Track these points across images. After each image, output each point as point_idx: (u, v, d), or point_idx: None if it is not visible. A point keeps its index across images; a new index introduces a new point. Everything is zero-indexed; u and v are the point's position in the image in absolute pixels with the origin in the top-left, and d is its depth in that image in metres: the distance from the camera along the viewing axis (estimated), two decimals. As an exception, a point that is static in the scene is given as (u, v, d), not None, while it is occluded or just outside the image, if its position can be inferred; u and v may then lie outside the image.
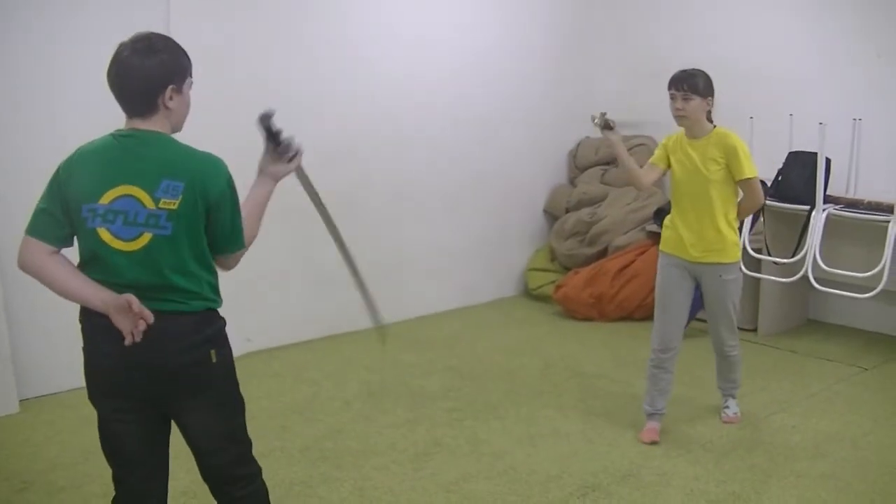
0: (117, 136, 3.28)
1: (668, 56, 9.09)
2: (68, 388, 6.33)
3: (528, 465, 5.37)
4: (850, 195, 7.71)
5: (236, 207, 3.35)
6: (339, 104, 7.62)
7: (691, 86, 5.37)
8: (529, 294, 9.37)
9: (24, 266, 3.29)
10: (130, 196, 3.16)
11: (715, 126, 5.51)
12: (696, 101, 5.38)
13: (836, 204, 7.50)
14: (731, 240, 5.54)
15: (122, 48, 3.24)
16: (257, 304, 7.24)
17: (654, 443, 5.64)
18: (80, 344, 5.98)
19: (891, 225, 6.97)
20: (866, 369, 7.12)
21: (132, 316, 3.09)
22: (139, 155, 3.21)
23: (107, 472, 5.13)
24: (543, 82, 9.36)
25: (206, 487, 3.68)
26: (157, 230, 3.16)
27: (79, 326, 3.38)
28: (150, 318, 3.11)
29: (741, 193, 5.59)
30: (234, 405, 3.53)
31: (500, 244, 9.30)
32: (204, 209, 3.21)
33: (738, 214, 5.63)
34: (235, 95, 6.57)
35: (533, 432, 5.85)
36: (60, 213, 3.25)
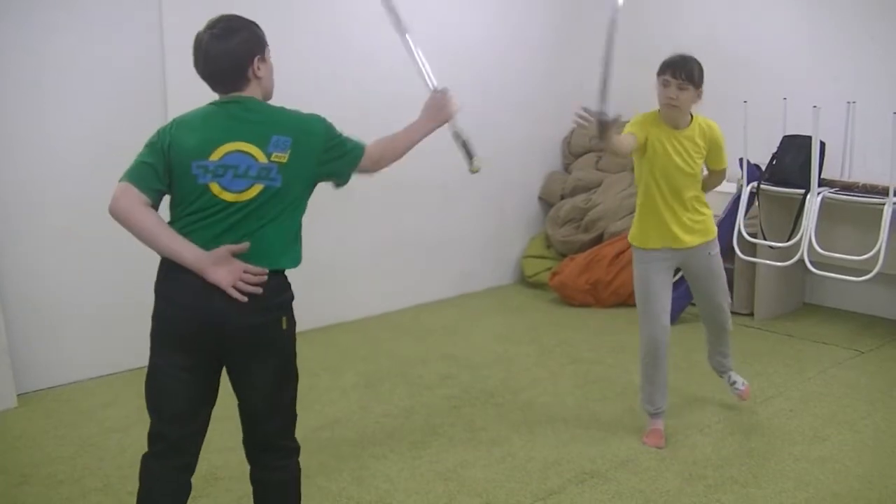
0: (219, 104, 3.54)
1: (661, 42, 9.06)
2: (66, 381, 6.36)
3: (526, 451, 5.38)
4: (845, 178, 7.71)
5: (340, 134, 3.69)
6: (331, 94, 7.60)
7: (688, 74, 5.12)
8: (526, 281, 9.38)
9: (115, 210, 3.39)
10: (242, 152, 3.39)
11: (692, 115, 5.33)
12: (691, 92, 5.15)
13: (831, 187, 7.49)
14: (708, 215, 5.46)
15: (201, 35, 3.50)
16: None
17: (660, 448, 5.43)
18: (79, 338, 6.01)
19: (886, 207, 6.96)
20: (863, 352, 7.13)
21: (233, 268, 3.34)
22: (245, 116, 3.47)
23: (105, 464, 5.18)
24: (538, 69, 9.36)
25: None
26: (268, 182, 3.40)
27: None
28: (260, 271, 3.39)
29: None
30: (292, 376, 3.67)
31: (495, 232, 9.30)
32: (314, 159, 3.54)
33: (704, 190, 5.50)
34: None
35: (530, 419, 5.86)
36: (162, 170, 3.43)
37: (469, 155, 4.28)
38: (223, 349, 3.47)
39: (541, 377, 6.63)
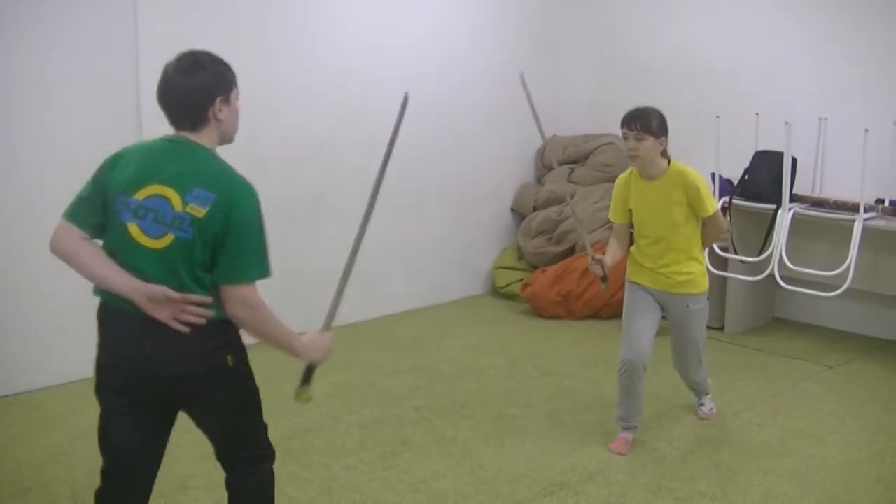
0: (166, 140, 3.41)
1: (635, 56, 9.17)
2: (34, 388, 6.31)
3: (496, 463, 5.38)
4: (816, 194, 7.75)
5: (262, 235, 3.37)
6: (307, 104, 7.61)
7: (644, 125, 5.20)
8: (497, 292, 9.38)
9: (56, 248, 3.35)
10: (162, 196, 3.25)
11: (670, 162, 5.38)
12: (650, 142, 5.21)
13: (802, 203, 7.54)
14: (698, 271, 5.51)
15: (168, 67, 3.38)
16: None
17: (622, 454, 5.52)
18: (45, 344, 5.96)
19: (856, 224, 7.01)
20: (831, 367, 7.17)
21: (172, 304, 3.21)
22: (180, 160, 3.32)
23: (74, 472, 5.15)
24: (511, 81, 9.35)
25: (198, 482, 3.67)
26: (180, 232, 3.24)
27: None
28: (199, 299, 3.26)
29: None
30: (251, 403, 3.63)
31: (467, 243, 9.31)
32: (224, 228, 3.26)
33: (703, 243, 5.57)
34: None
35: (500, 431, 5.86)
36: (99, 203, 3.34)
37: (306, 380, 3.92)
38: (168, 395, 3.42)
39: (511, 389, 6.64)
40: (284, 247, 7.17)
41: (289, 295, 7.66)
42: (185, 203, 3.23)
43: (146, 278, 3.24)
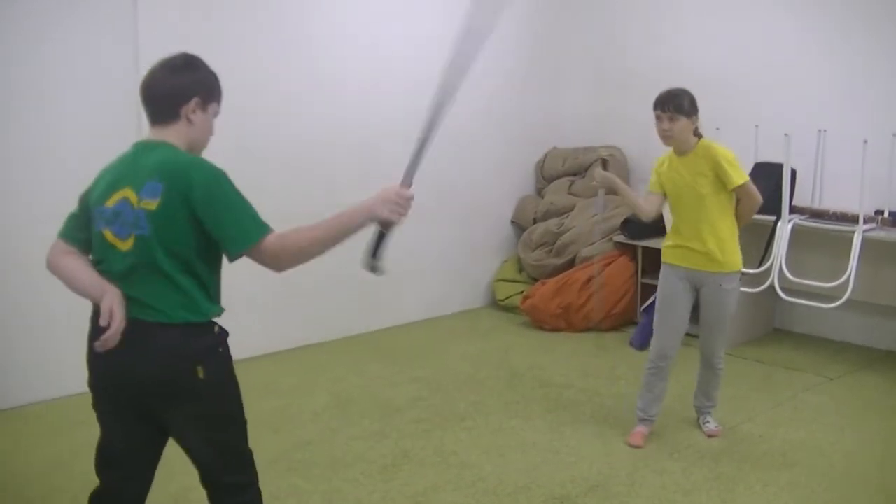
0: (135, 146, 3.40)
1: (633, 67, 9.17)
2: (36, 400, 6.31)
3: (496, 476, 5.37)
4: (816, 205, 7.76)
5: (239, 195, 3.24)
6: (304, 116, 7.61)
7: (677, 106, 5.46)
8: (497, 305, 9.38)
9: (48, 265, 3.41)
10: (125, 198, 3.25)
11: (700, 138, 5.60)
12: (683, 122, 5.47)
13: (802, 214, 7.56)
14: (730, 249, 5.62)
15: (157, 63, 3.39)
16: (225, 316, 7.19)
17: (638, 447, 5.73)
18: (47, 356, 5.97)
19: (856, 235, 7.02)
20: (832, 379, 7.16)
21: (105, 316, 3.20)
22: (140, 160, 3.30)
23: (76, 483, 5.15)
24: (510, 93, 9.38)
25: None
26: (138, 230, 3.21)
27: (85, 334, 3.44)
28: (117, 322, 3.19)
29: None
30: (229, 420, 3.49)
31: (467, 255, 9.30)
32: (188, 210, 3.17)
33: (739, 219, 5.69)
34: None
35: (501, 443, 5.86)
36: (85, 219, 3.37)
37: (375, 253, 3.81)
38: (138, 399, 3.35)
39: (511, 401, 6.63)
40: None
41: (286, 308, 7.69)
42: (139, 199, 3.20)
43: (120, 280, 3.26)
